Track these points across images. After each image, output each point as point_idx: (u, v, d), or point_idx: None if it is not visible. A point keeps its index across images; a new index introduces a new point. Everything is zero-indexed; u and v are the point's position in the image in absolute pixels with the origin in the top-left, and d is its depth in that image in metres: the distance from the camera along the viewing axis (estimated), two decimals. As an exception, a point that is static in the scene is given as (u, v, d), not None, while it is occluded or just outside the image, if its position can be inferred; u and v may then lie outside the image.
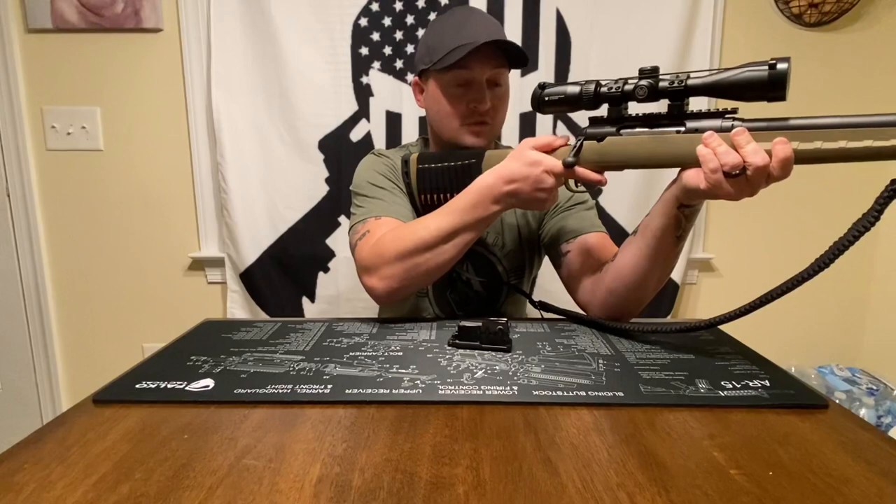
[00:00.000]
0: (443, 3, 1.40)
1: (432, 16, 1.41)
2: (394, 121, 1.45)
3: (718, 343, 0.71)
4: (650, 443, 0.47)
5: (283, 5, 1.39)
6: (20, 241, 1.54)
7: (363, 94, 1.45)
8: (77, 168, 1.52)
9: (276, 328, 0.77)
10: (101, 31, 1.45)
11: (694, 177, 0.60)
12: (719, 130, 0.59)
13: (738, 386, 0.58)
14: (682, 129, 0.62)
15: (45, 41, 1.46)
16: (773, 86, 0.56)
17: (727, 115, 0.60)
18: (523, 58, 0.86)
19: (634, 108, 0.66)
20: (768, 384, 0.58)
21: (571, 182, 0.73)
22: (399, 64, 1.44)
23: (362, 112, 1.46)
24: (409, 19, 1.42)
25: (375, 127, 1.47)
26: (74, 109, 1.49)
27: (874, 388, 1.44)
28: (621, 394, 0.56)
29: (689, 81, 0.61)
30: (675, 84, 0.61)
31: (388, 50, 1.43)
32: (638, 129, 0.65)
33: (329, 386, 0.57)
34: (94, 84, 1.48)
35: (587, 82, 0.66)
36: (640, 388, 0.57)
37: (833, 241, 0.55)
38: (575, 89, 0.67)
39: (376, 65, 1.44)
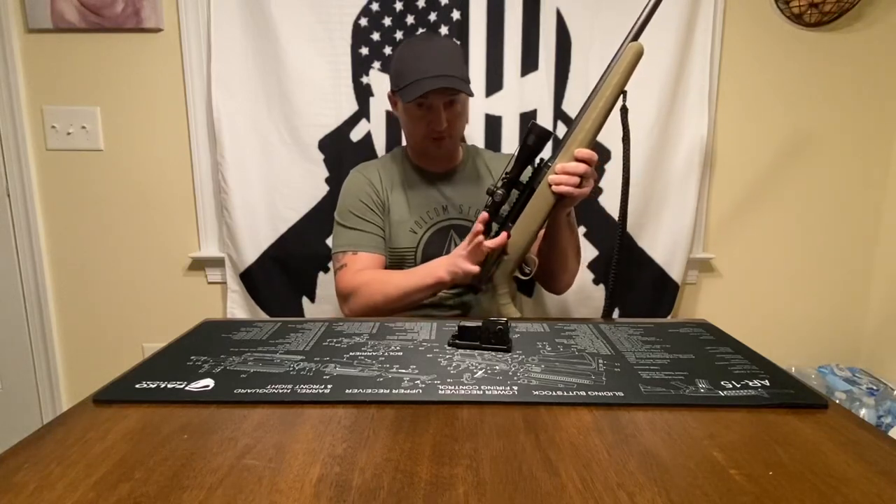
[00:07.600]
0: (443, 4, 1.40)
1: (433, 16, 1.41)
2: (394, 121, 1.45)
3: (718, 343, 0.71)
4: (650, 443, 0.47)
5: (283, 5, 1.39)
6: (20, 241, 1.54)
7: (363, 94, 1.45)
8: (77, 168, 1.52)
9: (276, 328, 0.77)
10: (101, 31, 1.44)
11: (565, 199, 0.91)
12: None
13: (738, 386, 0.58)
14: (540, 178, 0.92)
15: (45, 41, 1.45)
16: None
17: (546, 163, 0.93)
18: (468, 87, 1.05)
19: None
20: (768, 384, 0.58)
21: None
22: (399, 64, 1.44)
23: (362, 112, 1.46)
24: (410, 19, 1.42)
25: (375, 127, 1.46)
26: (74, 109, 1.49)
27: (874, 388, 1.44)
28: (621, 394, 0.56)
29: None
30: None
31: (388, 50, 1.43)
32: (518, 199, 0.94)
33: (329, 386, 0.57)
34: (94, 84, 1.47)
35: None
36: (640, 388, 0.57)
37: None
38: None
39: (376, 65, 1.44)
